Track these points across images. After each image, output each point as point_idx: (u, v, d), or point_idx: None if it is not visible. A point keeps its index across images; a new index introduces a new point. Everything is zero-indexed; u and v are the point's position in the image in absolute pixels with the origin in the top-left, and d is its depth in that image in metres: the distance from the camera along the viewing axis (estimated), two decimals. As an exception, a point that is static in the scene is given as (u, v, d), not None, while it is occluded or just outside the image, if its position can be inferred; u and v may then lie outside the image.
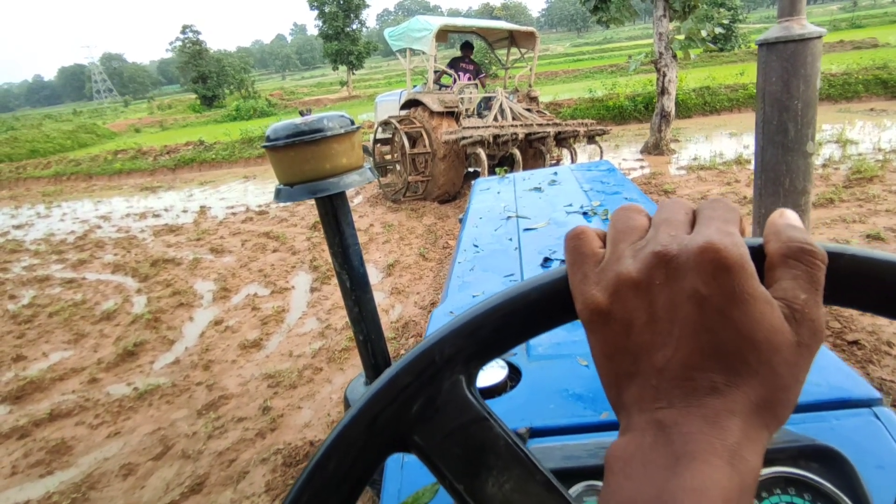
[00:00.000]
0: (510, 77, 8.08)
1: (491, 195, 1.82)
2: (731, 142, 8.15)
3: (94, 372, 3.52)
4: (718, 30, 7.72)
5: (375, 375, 1.27)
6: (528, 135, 6.14)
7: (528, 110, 7.15)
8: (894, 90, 9.93)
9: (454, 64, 7.48)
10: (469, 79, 7.30)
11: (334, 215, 1.11)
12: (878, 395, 0.60)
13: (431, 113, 6.41)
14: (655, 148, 7.88)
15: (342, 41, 28.60)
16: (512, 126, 6.20)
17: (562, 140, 6.53)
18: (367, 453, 0.27)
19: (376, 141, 7.48)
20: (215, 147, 13.39)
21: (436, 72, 6.96)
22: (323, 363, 3.29)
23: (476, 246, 1.34)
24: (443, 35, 7.17)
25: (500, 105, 6.79)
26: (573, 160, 6.70)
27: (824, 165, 6.08)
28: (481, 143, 5.76)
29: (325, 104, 24.64)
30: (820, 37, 1.28)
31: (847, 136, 7.31)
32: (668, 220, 0.24)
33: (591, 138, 6.61)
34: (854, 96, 10.13)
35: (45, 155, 19.53)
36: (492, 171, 5.90)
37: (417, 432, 0.27)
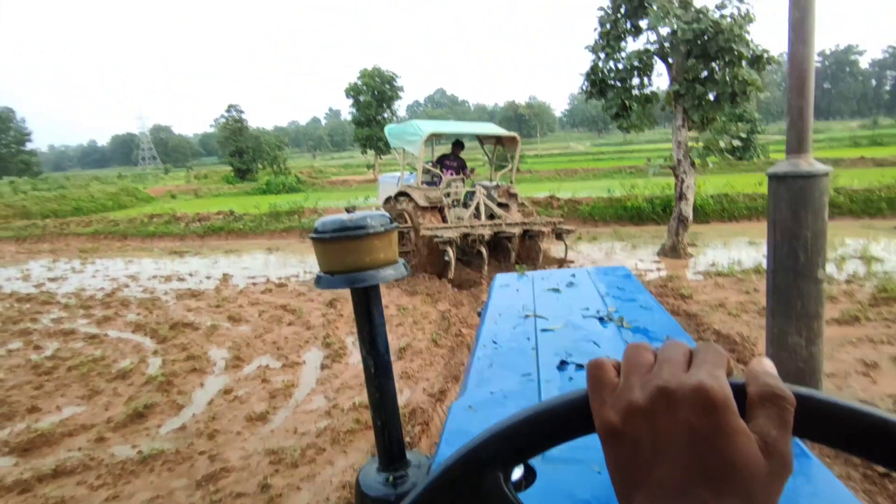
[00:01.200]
0: (507, 171, 8.90)
1: (510, 292, 1.91)
2: (749, 250, 8.23)
3: (102, 430, 3.51)
4: (736, 142, 8.10)
5: (390, 462, 1.30)
6: (496, 233, 7.05)
7: (505, 205, 8.11)
8: (920, 209, 10.03)
9: (441, 160, 8.46)
10: (453, 174, 8.14)
11: (367, 305, 1.20)
12: None
13: (418, 207, 7.35)
14: (673, 251, 7.99)
15: (373, 128, 30.46)
16: (481, 227, 7.11)
17: (532, 236, 7.33)
18: None
19: None
20: (244, 218, 13.97)
21: (425, 171, 7.96)
22: (327, 444, 3.24)
23: (495, 342, 1.41)
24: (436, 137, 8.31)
25: (478, 203, 7.71)
26: (566, 252, 7.70)
27: (848, 281, 6.07)
28: (450, 242, 6.72)
29: (352, 185, 25.78)
30: (826, 174, 1.39)
31: (872, 252, 7.35)
32: (669, 359, 0.31)
33: (558, 235, 7.42)
34: (877, 213, 10.25)
35: (88, 213, 20.56)
36: (464, 265, 7.41)
37: None
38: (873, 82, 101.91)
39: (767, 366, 0.31)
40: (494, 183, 8.38)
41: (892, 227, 9.32)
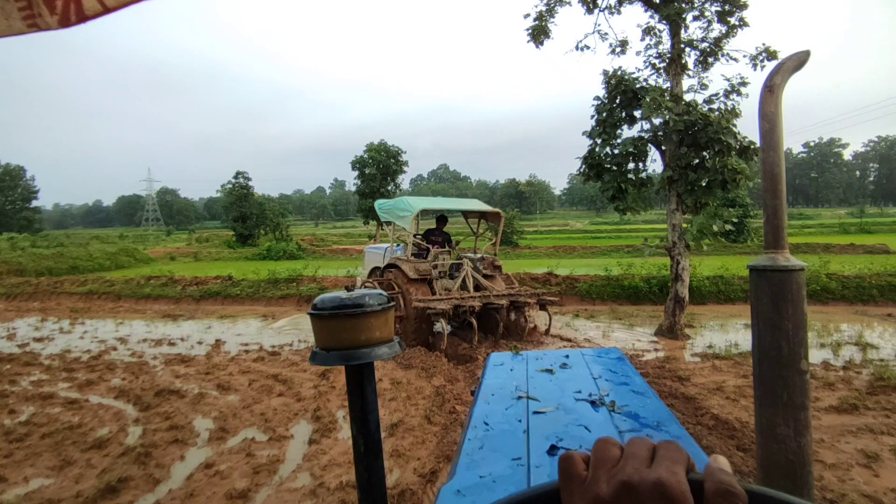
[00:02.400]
0: (491, 245, 9.39)
1: (504, 371, 1.90)
2: (746, 332, 8.20)
3: (69, 507, 3.32)
4: (728, 226, 8.32)
5: (374, 550, 1.24)
6: (485, 304, 7.31)
7: (491, 276, 8.47)
8: (911, 298, 10.12)
9: (427, 235, 8.92)
10: (439, 247, 8.60)
11: (360, 382, 1.21)
12: None
13: (407, 279, 7.66)
14: (670, 331, 7.97)
15: (376, 199, 31.25)
16: (471, 298, 7.40)
17: (519, 306, 7.66)
18: None
19: (364, 284, 8.95)
20: (242, 283, 13.98)
21: (414, 244, 8.41)
22: (310, 527, 3.07)
23: (486, 424, 1.39)
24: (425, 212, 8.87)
25: (465, 275, 8.07)
26: (549, 322, 8.00)
27: (845, 368, 6.02)
28: (442, 314, 6.98)
29: (352, 253, 25.99)
30: (802, 269, 1.46)
31: (867, 339, 7.33)
32: (634, 454, 0.34)
33: (542, 306, 7.81)
34: (870, 300, 10.32)
35: (84, 272, 20.54)
36: (451, 335, 7.66)
37: None
38: (857, 173, 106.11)
39: (722, 463, 0.34)
40: (479, 255, 8.75)
41: (885, 315, 9.35)
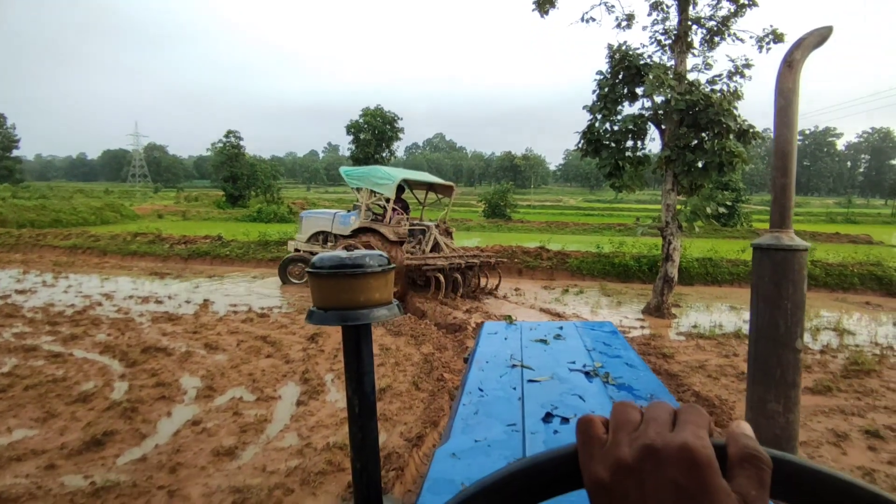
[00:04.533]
0: (444, 214, 10.48)
1: (498, 340, 1.90)
2: (730, 315, 8.34)
3: (54, 457, 3.33)
4: (722, 209, 8.35)
5: (365, 509, 1.24)
6: (466, 264, 8.62)
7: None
8: (888, 287, 10.34)
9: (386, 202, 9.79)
10: (399, 213, 9.49)
11: (357, 343, 1.19)
12: None
13: (388, 241, 8.43)
14: (657, 310, 8.06)
15: (370, 165, 30.91)
16: (459, 258, 8.73)
17: (482, 267, 9.05)
18: None
19: (296, 250, 10.18)
20: (231, 244, 13.85)
21: (367, 209, 9.28)
22: (296, 484, 3.11)
23: (481, 390, 1.39)
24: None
25: (434, 239, 9.34)
26: (498, 282, 9.43)
27: (822, 352, 6.16)
28: (440, 270, 8.22)
29: (344, 219, 25.86)
30: (805, 249, 1.45)
31: (844, 325, 7.50)
32: (655, 418, 0.32)
33: (493, 267, 9.21)
34: (850, 287, 10.53)
35: (68, 226, 20.22)
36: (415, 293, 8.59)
37: None
38: (848, 164, 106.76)
39: (746, 428, 0.32)
40: (435, 222, 9.93)
41: (863, 302, 9.54)
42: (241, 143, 38.16)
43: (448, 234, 9.94)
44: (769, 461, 0.30)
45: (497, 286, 9.44)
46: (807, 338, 6.84)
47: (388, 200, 9.27)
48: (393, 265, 1.24)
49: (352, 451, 1.22)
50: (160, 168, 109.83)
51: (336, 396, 4.48)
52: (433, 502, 0.83)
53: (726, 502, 0.28)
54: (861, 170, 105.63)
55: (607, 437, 0.33)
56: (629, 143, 8.31)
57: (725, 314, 8.38)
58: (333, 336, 6.12)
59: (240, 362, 5.28)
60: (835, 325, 7.50)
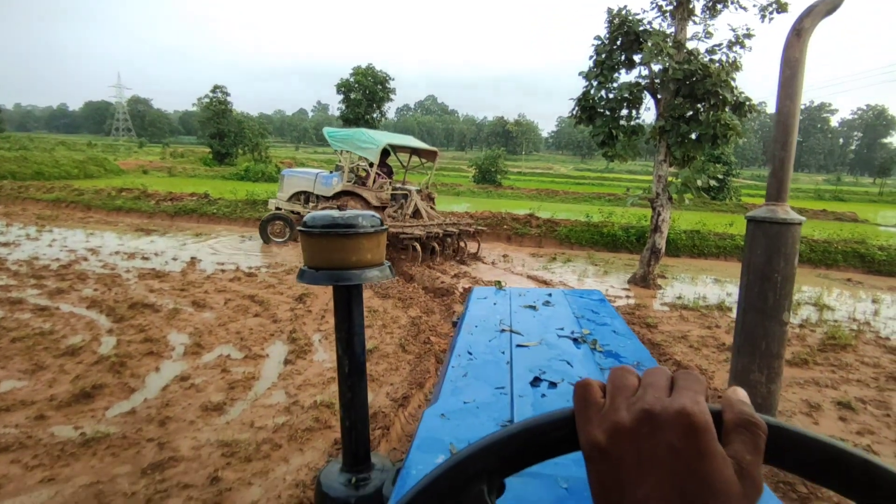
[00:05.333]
0: (427, 179, 10.47)
1: (487, 305, 1.91)
2: (714, 287, 8.48)
3: (43, 408, 3.35)
4: (713, 182, 8.37)
5: (354, 463, 1.27)
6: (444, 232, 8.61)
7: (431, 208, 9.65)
8: (871, 265, 10.56)
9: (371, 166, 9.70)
10: (382, 177, 9.37)
11: (348, 303, 1.18)
12: None
13: (369, 206, 8.43)
14: (643, 280, 8.17)
15: (360, 126, 30.35)
16: (437, 227, 8.64)
17: (461, 234, 9.08)
18: None
19: (277, 209, 10.03)
20: (219, 202, 13.66)
21: (350, 171, 9.36)
22: (283, 440, 3.17)
23: (470, 353, 1.40)
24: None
25: (415, 205, 9.21)
26: (478, 248, 9.53)
27: (801, 325, 6.31)
28: (417, 239, 8.10)
29: (334, 181, 25.54)
30: (800, 223, 1.46)
31: (825, 301, 7.67)
32: (653, 383, 0.33)
33: (472, 234, 9.27)
34: (833, 264, 10.73)
35: (50, 179, 19.76)
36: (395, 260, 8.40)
37: None
38: (840, 141, 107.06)
39: (742, 395, 0.33)
40: (417, 187, 9.78)
41: (845, 279, 9.75)
42: (229, 98, 37.16)
43: (430, 199, 9.89)
44: (765, 427, 0.30)
45: (477, 251, 9.48)
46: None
47: (371, 165, 9.14)
48: (385, 227, 1.23)
49: (341, 410, 1.24)
50: (144, 122, 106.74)
51: (324, 356, 4.52)
52: (422, 461, 0.85)
53: (722, 466, 0.28)
54: (853, 147, 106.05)
55: (605, 402, 0.33)
56: (624, 112, 8.21)
57: (710, 286, 8.52)
58: (321, 297, 6.13)
59: (227, 320, 5.30)
60: (816, 301, 7.67)
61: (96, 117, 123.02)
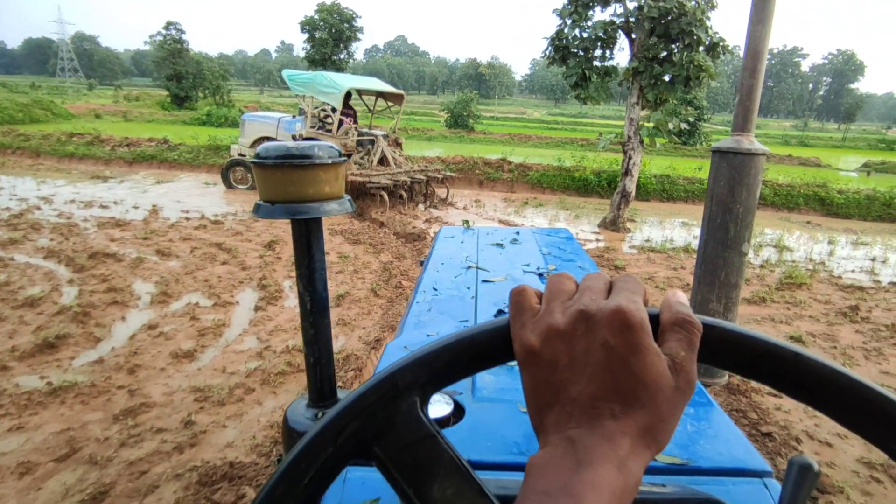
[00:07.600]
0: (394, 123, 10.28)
1: (454, 244, 1.90)
2: (682, 230, 8.69)
3: (4, 359, 3.27)
4: (684, 125, 8.41)
5: (320, 399, 1.28)
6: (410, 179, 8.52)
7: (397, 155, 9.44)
8: (829, 208, 10.97)
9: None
10: (346, 122, 9.13)
11: (307, 238, 1.15)
12: (769, 468, 0.69)
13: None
14: (612, 224, 8.30)
15: (327, 68, 28.99)
16: (405, 174, 8.54)
17: (429, 181, 9.00)
18: (334, 459, 0.32)
19: (241, 154, 9.68)
20: (179, 148, 13.07)
21: (314, 116, 9.14)
22: (256, 384, 3.20)
23: (435, 289, 1.40)
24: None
25: (382, 151, 9.00)
26: (447, 194, 9.43)
27: (762, 266, 6.57)
28: (385, 188, 8.02)
29: (302, 126, 24.64)
30: (764, 154, 1.47)
31: (785, 242, 7.97)
32: (590, 287, 0.32)
33: (441, 180, 9.26)
34: (795, 207, 11.10)
35: (-6, 124, 18.47)
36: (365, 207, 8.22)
37: (377, 444, 0.32)
38: (810, 86, 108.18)
39: (681, 297, 0.32)
40: (384, 132, 9.52)
41: (805, 222, 10.12)
42: (184, 36, 34.86)
43: (398, 144, 9.69)
44: (699, 325, 0.30)
45: (446, 197, 9.46)
46: (749, 254, 7.26)
47: (334, 110, 8.84)
48: (345, 157, 1.18)
49: (305, 347, 1.23)
50: (93, 62, 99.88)
51: (294, 303, 4.51)
52: None
53: (655, 362, 0.28)
54: (821, 93, 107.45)
55: (540, 307, 0.32)
56: (597, 52, 8.06)
57: (677, 230, 8.73)
58: (291, 244, 6.05)
59: (194, 269, 5.19)
60: (776, 243, 7.96)
61: (38, 56, 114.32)
